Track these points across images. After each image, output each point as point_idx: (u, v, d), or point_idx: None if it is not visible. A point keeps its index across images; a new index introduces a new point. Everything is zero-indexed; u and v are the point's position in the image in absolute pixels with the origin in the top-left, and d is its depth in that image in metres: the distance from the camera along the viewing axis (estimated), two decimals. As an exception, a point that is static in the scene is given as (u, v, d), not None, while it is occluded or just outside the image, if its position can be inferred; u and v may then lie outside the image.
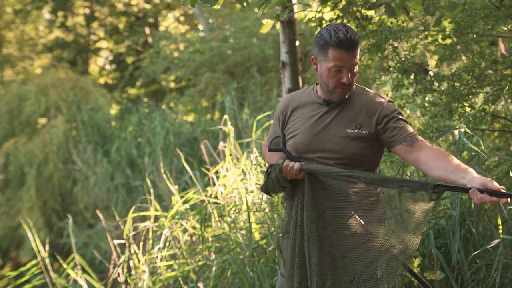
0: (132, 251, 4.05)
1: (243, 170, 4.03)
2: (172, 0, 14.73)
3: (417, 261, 2.48)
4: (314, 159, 2.05)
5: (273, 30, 8.78)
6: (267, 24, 3.44)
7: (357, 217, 1.95)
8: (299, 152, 2.08)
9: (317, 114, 2.10)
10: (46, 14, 15.81)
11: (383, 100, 2.07)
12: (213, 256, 3.80)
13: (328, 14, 3.44)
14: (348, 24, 2.05)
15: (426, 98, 3.97)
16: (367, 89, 2.14)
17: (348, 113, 2.06)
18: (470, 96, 3.18)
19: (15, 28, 14.55)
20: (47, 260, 4.57)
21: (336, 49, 1.96)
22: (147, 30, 14.39)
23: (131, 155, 9.29)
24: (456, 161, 1.86)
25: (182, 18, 15.14)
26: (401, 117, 2.03)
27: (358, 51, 2.00)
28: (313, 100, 2.13)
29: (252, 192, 3.84)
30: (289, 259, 2.04)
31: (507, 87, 3.15)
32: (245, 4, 3.18)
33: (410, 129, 2.01)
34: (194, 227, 4.02)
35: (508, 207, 2.77)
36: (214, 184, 4.06)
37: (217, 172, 4.16)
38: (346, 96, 2.06)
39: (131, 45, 14.68)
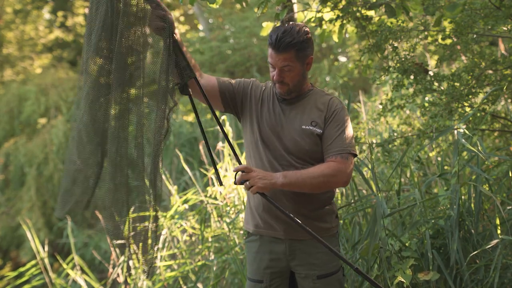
0: (132, 251, 4.04)
1: (242, 170, 4.02)
2: (172, 0, 14.72)
3: (410, 262, 2.48)
4: (267, 153, 2.10)
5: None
6: (268, 26, 3.44)
7: None
8: (257, 143, 2.13)
9: (276, 109, 2.15)
10: (46, 14, 15.81)
11: (340, 105, 2.13)
12: (212, 256, 3.80)
13: (328, 14, 3.43)
14: (306, 27, 2.09)
15: (426, 98, 3.96)
16: (325, 92, 2.20)
17: (305, 111, 2.12)
18: (470, 96, 3.18)
19: (15, 28, 14.54)
20: (46, 260, 4.57)
21: (269, 47, 2.05)
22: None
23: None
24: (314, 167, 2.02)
25: (182, 18, 15.14)
26: (342, 127, 2.08)
27: (294, 55, 2.02)
28: (271, 94, 2.20)
29: (251, 192, 3.84)
30: None
31: (505, 87, 3.14)
32: (244, 4, 3.18)
33: (341, 141, 2.06)
34: (193, 227, 4.01)
35: (508, 207, 2.77)
36: (213, 185, 4.06)
37: (216, 172, 4.15)
38: (287, 94, 2.11)
39: (131, 45, 14.65)
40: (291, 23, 2.11)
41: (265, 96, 2.20)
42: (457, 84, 3.18)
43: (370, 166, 2.89)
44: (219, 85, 2.17)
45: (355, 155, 2.10)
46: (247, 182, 1.93)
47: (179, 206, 4.01)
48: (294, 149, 2.08)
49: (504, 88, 3.16)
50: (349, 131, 2.11)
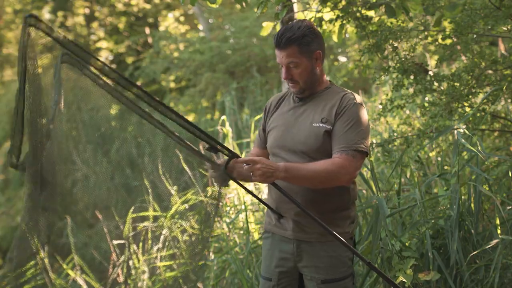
0: (132, 251, 4.04)
1: (242, 170, 4.02)
2: (172, 0, 14.72)
3: (411, 262, 2.48)
4: (282, 154, 2.10)
5: (274, 30, 8.80)
6: (267, 26, 3.44)
7: None
8: (273, 147, 2.15)
9: (290, 109, 2.16)
10: (46, 14, 15.81)
11: (352, 100, 2.06)
12: (212, 256, 3.80)
13: (328, 14, 3.43)
14: (309, 23, 2.07)
15: (426, 98, 3.96)
16: (343, 89, 2.14)
17: (318, 109, 2.10)
18: (470, 96, 3.18)
19: (15, 28, 14.54)
20: (46, 260, 4.57)
21: (275, 47, 2.08)
22: (147, 30, 14.39)
23: (131, 155, 9.28)
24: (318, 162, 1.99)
25: (182, 18, 15.13)
26: (352, 123, 2.02)
27: (296, 50, 2.02)
28: (290, 97, 2.21)
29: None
30: None
31: (505, 87, 3.14)
32: (244, 4, 3.18)
33: (349, 137, 2.00)
34: (193, 227, 4.01)
35: (508, 207, 2.77)
36: (213, 185, 4.05)
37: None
38: (300, 93, 2.11)
39: (131, 45, 14.68)
40: (295, 20, 2.12)
41: (282, 102, 2.22)
42: (457, 84, 3.19)
43: (370, 166, 2.89)
44: (265, 145, 2.24)
45: (366, 153, 2.02)
46: (251, 173, 1.94)
47: (179, 206, 4.01)
48: (305, 148, 2.05)
49: (504, 88, 3.16)
50: (361, 127, 2.03)
